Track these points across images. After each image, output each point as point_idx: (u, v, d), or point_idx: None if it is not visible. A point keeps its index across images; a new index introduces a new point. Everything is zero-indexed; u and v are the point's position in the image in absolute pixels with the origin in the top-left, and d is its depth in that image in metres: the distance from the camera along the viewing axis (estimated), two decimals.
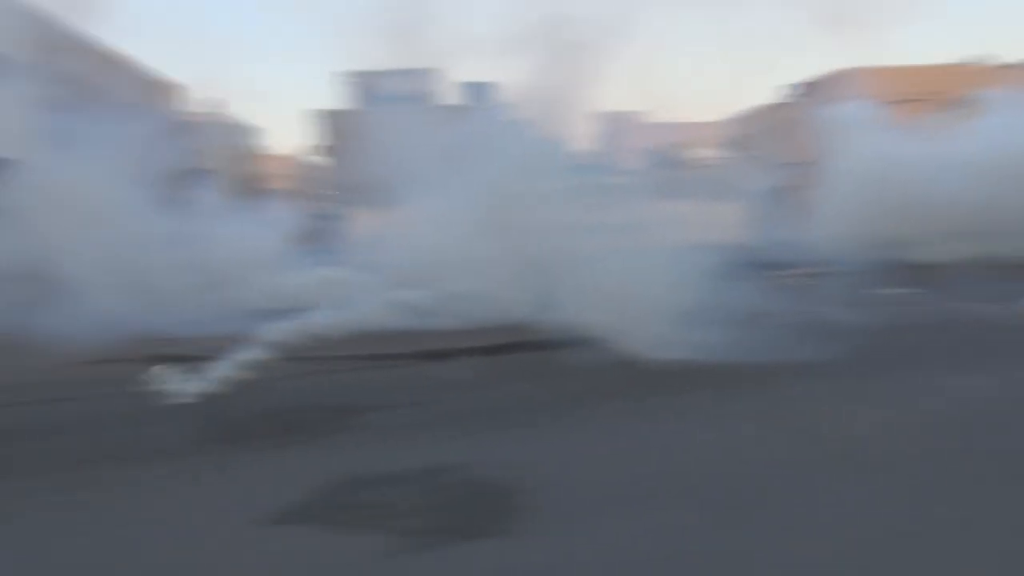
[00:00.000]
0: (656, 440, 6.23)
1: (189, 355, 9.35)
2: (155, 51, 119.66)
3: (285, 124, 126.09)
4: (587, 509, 4.75)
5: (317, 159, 55.53)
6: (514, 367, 9.50)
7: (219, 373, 8.85)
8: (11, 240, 14.09)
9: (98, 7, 57.34)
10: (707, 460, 5.62)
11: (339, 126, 44.03)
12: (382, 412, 7.46)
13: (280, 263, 16.46)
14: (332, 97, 54.97)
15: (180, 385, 8.48)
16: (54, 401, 8.51)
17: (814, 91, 45.82)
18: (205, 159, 40.39)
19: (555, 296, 10.15)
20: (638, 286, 9.38)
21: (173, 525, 4.79)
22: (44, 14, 24.71)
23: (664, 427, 6.63)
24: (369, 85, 46.99)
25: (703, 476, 5.24)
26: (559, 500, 4.88)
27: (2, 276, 13.19)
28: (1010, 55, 46.29)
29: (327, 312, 12.08)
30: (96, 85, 26.68)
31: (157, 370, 8.75)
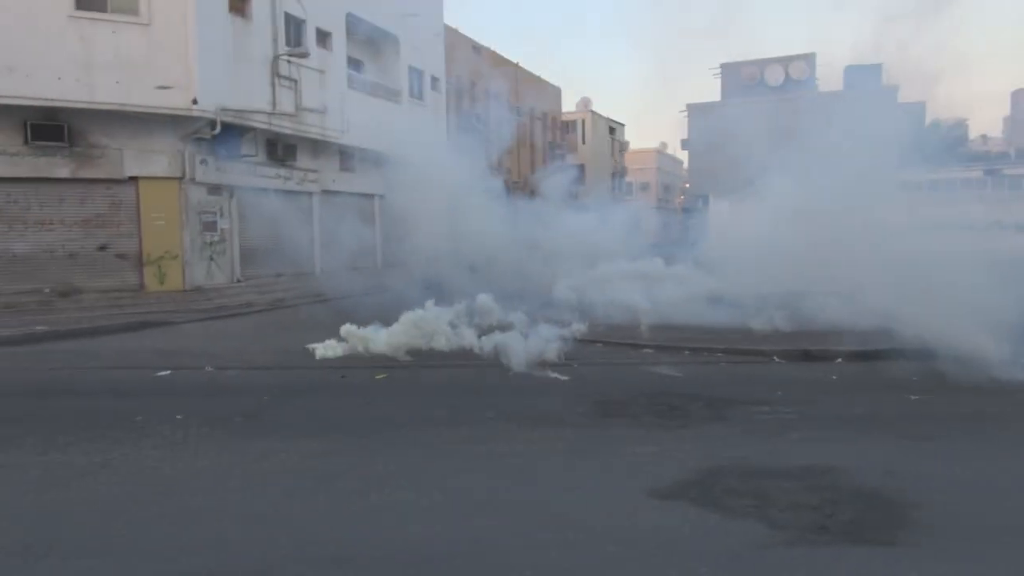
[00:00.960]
0: None
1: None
2: (528, 54, 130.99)
3: (653, 119, 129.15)
4: (982, 535, 4.43)
5: (680, 153, 55.84)
6: (877, 374, 9.00)
7: (563, 349, 9.80)
8: (384, 224, 16.90)
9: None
10: None
11: (707, 119, 43.62)
12: (757, 406, 7.54)
13: (618, 252, 17.06)
14: (706, 90, 54.96)
15: (539, 358, 9.46)
16: (443, 367, 9.99)
17: None
18: (574, 153, 43.00)
19: (907, 302, 9.33)
20: (995, 296, 8.55)
21: (573, 484, 5.38)
22: (451, 30, 28.40)
23: None
24: (744, 75, 45.74)
25: None
26: (951, 519, 4.62)
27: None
28: None
29: (643, 301, 12.46)
30: (488, 88, 29.94)
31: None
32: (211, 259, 17.78)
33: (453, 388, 8.75)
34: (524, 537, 4.45)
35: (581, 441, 6.42)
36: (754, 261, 12.64)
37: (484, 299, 11.76)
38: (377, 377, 9.32)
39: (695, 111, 45.84)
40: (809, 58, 43.68)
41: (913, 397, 7.82)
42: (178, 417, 7.30)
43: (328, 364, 10.16)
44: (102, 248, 16.46)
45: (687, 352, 10.59)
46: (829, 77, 41.23)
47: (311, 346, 10.77)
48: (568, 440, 6.44)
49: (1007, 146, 56.83)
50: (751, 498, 4.96)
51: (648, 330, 11.72)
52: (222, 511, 4.90)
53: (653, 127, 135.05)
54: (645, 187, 63.98)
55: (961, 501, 4.91)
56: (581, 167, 40.17)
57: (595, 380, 8.97)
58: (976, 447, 6.19)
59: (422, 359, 10.34)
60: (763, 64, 44.29)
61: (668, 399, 7.89)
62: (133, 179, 16.51)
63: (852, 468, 5.48)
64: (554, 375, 9.19)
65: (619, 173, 55.15)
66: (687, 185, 54.83)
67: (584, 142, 48.46)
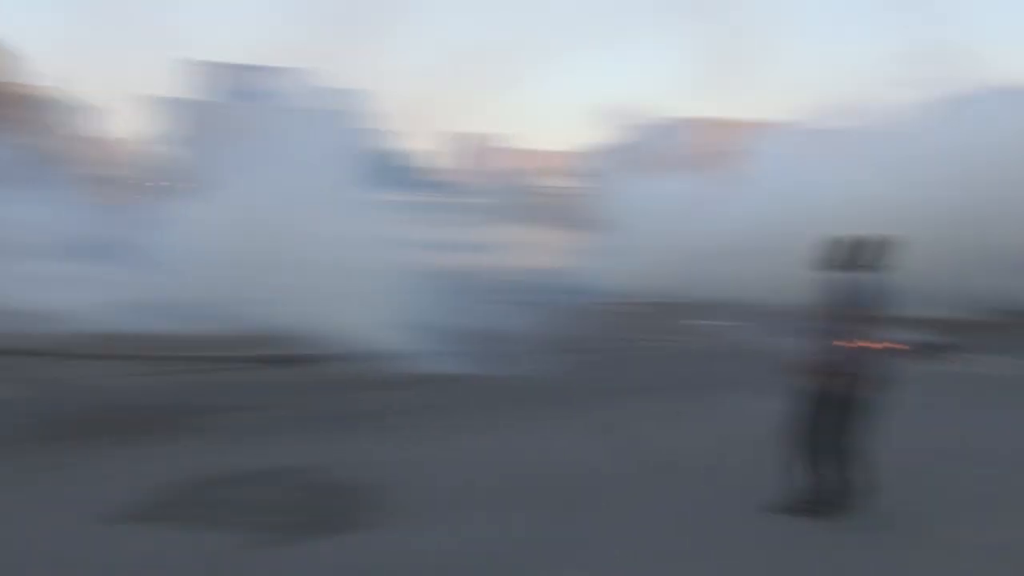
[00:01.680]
0: (489, 448, 6.61)
1: None
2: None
3: (129, 109, 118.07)
4: (432, 508, 5.04)
5: (151, 147, 52.26)
6: (337, 375, 9.45)
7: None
8: None
9: None
10: (538, 468, 5.97)
11: (181, 116, 41.83)
12: (223, 414, 7.44)
13: (51, 250, 15.07)
14: (181, 86, 52.11)
15: None
16: None
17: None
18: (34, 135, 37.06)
19: (343, 307, 10.31)
20: (425, 303, 9.93)
21: (16, 518, 4.65)
22: None
23: (494, 437, 7.02)
24: (226, 78, 45.13)
25: (535, 482, 5.62)
26: (403, 500, 5.14)
27: None
28: None
29: (76, 306, 11.39)
30: None
31: None
32: None
33: None
34: None
35: (24, 468, 5.60)
36: (203, 265, 12.33)
37: None
38: None
39: (169, 106, 43.64)
40: (292, 71, 45.17)
41: (378, 394, 8.48)
42: None
43: None
44: None
45: (144, 362, 9.78)
46: (310, 93, 43.26)
47: None
48: (7, 468, 5.57)
49: (455, 176, 66.87)
50: (227, 506, 4.94)
51: (92, 339, 10.47)
52: None
53: (128, 117, 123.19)
54: (110, 180, 58.15)
55: (411, 483, 5.48)
56: (31, 148, 34.67)
57: (34, 398, 7.78)
58: (433, 432, 7.05)
59: None
60: (248, 70, 44.42)
61: (127, 414, 7.31)
62: None
63: (328, 464, 5.77)
64: None
65: (82, 162, 49.14)
66: (161, 182, 51.59)
67: (43, 122, 42.03)
